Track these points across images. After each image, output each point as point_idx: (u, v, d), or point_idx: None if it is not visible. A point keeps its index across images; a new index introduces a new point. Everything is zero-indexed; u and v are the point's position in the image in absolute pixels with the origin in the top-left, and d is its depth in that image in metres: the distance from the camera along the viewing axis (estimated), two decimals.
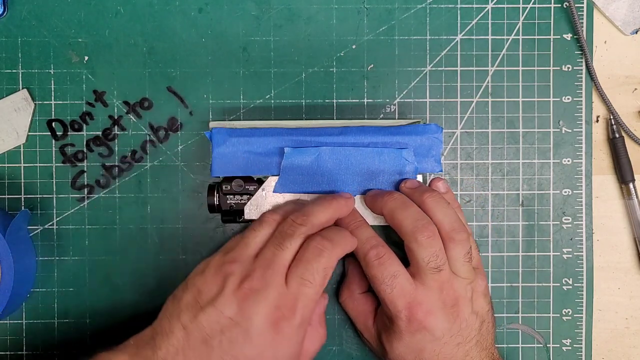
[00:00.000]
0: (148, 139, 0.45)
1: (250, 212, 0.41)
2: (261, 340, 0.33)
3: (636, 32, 0.46)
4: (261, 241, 0.36)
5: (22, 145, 0.45)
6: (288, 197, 0.41)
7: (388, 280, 0.36)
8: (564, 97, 0.46)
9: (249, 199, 0.41)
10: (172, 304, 0.35)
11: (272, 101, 0.45)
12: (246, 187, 0.41)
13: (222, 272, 0.34)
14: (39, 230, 0.45)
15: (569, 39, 0.45)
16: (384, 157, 0.40)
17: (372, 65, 0.45)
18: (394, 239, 0.42)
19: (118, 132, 0.45)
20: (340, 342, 0.45)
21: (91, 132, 0.45)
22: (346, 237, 0.37)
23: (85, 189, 0.45)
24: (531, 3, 0.45)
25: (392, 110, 0.45)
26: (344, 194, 0.40)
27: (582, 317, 0.46)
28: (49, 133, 0.45)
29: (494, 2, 0.45)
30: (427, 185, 0.42)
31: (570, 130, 0.46)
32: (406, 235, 0.37)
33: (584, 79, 0.46)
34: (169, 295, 0.36)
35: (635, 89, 0.46)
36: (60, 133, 0.45)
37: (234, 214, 0.41)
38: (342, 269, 0.45)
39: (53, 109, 0.45)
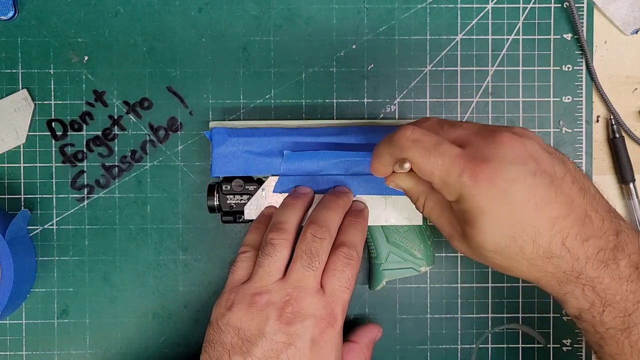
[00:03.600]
0: (148, 139, 0.45)
1: (250, 212, 0.41)
2: (314, 351, 0.34)
3: (636, 32, 0.46)
4: (281, 265, 0.36)
5: (21, 145, 0.45)
6: None
7: (434, 150, 0.31)
8: (564, 97, 0.45)
9: (249, 199, 0.41)
10: (212, 349, 0.35)
11: (272, 101, 0.45)
12: (246, 187, 0.41)
13: (256, 306, 0.35)
14: (38, 230, 0.45)
15: (569, 38, 0.45)
16: None
17: (372, 65, 0.45)
18: (395, 242, 0.42)
19: (118, 132, 0.45)
20: None
21: (91, 132, 0.45)
22: (364, 233, 0.39)
23: (85, 189, 0.45)
24: (531, 3, 0.45)
25: (392, 110, 0.45)
26: (342, 188, 0.40)
27: None
28: (49, 133, 0.45)
29: (494, 2, 0.45)
30: None
31: (570, 130, 0.46)
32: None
33: (584, 79, 0.45)
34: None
35: (636, 88, 0.46)
36: (60, 133, 0.45)
37: (234, 214, 0.41)
38: None
39: (53, 109, 0.45)
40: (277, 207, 0.40)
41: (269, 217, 0.40)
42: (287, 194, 0.41)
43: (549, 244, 0.30)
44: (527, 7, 0.45)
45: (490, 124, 0.45)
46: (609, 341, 0.31)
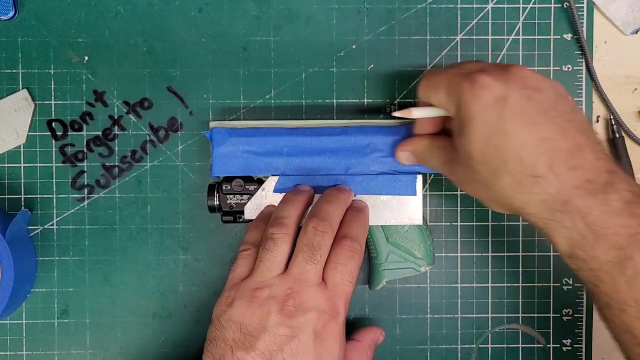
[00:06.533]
0: (148, 139, 0.45)
1: (250, 212, 0.41)
2: (317, 344, 0.34)
3: (636, 32, 0.46)
4: (282, 260, 0.36)
5: (22, 145, 0.45)
6: None
7: (442, 71, 0.35)
8: None
9: (249, 199, 0.41)
10: (215, 346, 0.35)
11: (272, 101, 0.45)
12: (246, 187, 0.41)
13: (257, 300, 0.34)
14: (39, 230, 0.45)
15: (569, 39, 0.45)
16: (387, 178, 0.41)
17: (372, 65, 0.45)
18: (395, 242, 0.42)
19: (118, 132, 0.45)
20: None
21: (91, 132, 0.45)
22: (366, 227, 0.39)
23: (85, 189, 0.45)
24: (531, 3, 0.45)
25: (393, 110, 0.45)
26: (342, 186, 0.40)
27: (582, 317, 0.46)
28: (49, 133, 0.45)
29: (494, 2, 0.45)
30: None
31: None
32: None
33: (584, 79, 0.45)
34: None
35: (636, 89, 0.46)
36: (60, 133, 0.45)
37: (234, 214, 0.41)
38: None
39: (53, 109, 0.45)
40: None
41: (268, 215, 0.39)
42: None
43: (534, 161, 0.31)
44: (527, 7, 0.45)
45: None
46: (603, 278, 0.30)
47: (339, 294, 0.35)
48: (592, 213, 0.30)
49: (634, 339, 0.30)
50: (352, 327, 0.45)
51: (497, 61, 0.45)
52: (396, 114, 0.38)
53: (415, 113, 0.37)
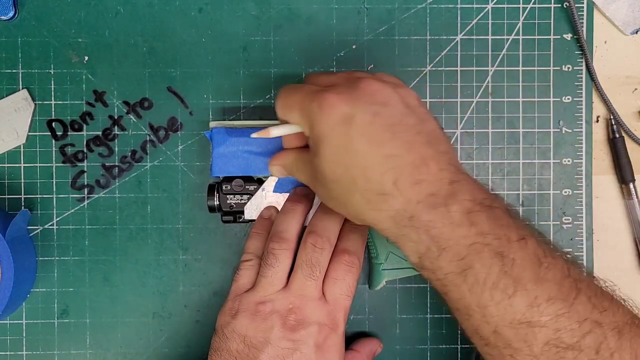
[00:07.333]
0: (148, 139, 0.45)
1: (250, 212, 0.41)
2: (318, 356, 0.35)
3: (636, 32, 0.46)
4: (284, 275, 0.37)
5: (22, 145, 0.45)
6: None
7: (295, 89, 0.35)
8: (564, 97, 0.46)
9: (249, 199, 0.41)
10: (219, 356, 0.36)
11: (272, 101, 0.45)
12: (246, 187, 0.41)
13: (260, 314, 0.36)
14: (39, 230, 0.45)
15: (569, 39, 0.45)
16: None
17: (372, 66, 0.45)
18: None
19: (118, 132, 0.45)
20: None
21: (91, 132, 0.45)
22: (364, 237, 0.39)
23: (85, 189, 0.45)
24: (531, 3, 0.45)
25: None
26: None
27: None
28: (49, 133, 0.45)
29: (494, 2, 0.45)
30: None
31: (570, 130, 0.46)
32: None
33: (584, 79, 0.45)
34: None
35: (636, 89, 0.46)
36: (60, 133, 0.45)
37: (234, 214, 0.41)
38: None
39: (53, 109, 0.45)
40: (277, 207, 0.41)
41: (268, 221, 0.40)
42: (287, 194, 0.41)
43: (380, 179, 0.31)
44: (527, 7, 0.45)
45: (489, 125, 0.45)
46: (450, 287, 0.31)
47: (338, 307, 0.36)
48: (435, 226, 0.30)
49: (482, 340, 0.31)
50: (352, 329, 0.45)
51: (497, 61, 0.45)
52: (254, 135, 0.37)
53: (274, 132, 0.37)
